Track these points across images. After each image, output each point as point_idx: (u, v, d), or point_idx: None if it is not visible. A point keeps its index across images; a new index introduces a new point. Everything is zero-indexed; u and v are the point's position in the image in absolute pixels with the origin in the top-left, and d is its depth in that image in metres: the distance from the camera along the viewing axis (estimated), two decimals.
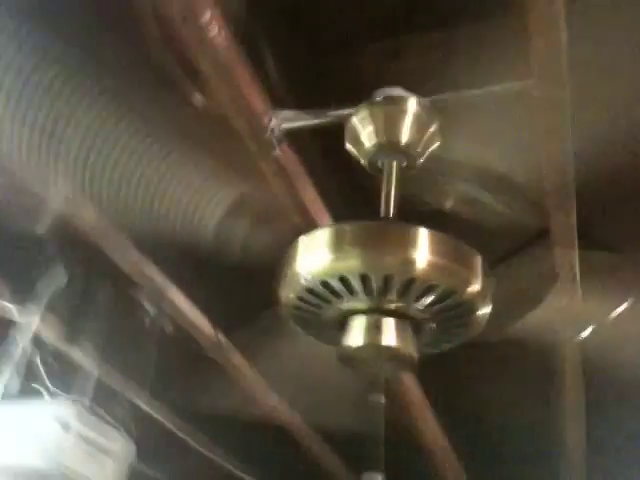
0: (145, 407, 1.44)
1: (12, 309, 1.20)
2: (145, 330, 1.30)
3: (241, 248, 1.05)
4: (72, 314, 1.27)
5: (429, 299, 0.77)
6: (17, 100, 0.82)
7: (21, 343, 1.23)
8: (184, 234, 1.01)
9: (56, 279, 1.18)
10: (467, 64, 0.90)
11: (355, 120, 0.87)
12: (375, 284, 0.76)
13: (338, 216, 1.02)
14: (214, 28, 0.77)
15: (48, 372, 1.27)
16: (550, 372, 1.36)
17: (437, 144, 0.89)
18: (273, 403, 1.50)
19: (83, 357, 1.32)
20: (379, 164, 0.88)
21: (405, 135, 0.86)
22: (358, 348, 0.79)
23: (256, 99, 0.87)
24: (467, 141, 0.99)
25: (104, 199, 0.95)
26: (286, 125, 0.90)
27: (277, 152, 0.91)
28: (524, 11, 0.71)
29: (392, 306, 0.78)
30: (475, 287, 0.78)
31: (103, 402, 1.31)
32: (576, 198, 0.97)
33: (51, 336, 1.27)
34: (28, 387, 1.25)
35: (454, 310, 0.79)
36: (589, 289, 1.14)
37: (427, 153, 0.89)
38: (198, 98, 0.91)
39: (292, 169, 0.95)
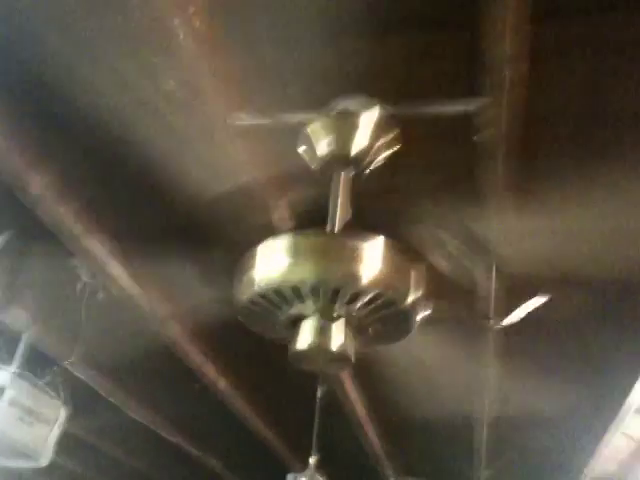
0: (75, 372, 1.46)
1: None
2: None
3: None
4: (3, 280, 1.27)
5: (372, 306, 0.85)
6: None
7: None
8: None
9: None
10: None
11: (309, 129, 0.90)
12: (324, 294, 0.82)
13: None
14: None
15: None
16: None
17: (386, 154, 0.91)
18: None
19: (15, 322, 1.32)
20: (327, 174, 0.92)
21: (355, 147, 0.89)
22: (305, 350, 0.85)
23: None
24: None
25: None
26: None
27: None
28: None
29: (338, 312, 0.85)
30: (415, 296, 0.86)
31: (34, 368, 1.33)
32: None
33: None
34: None
35: (394, 317, 0.87)
36: None
37: (376, 163, 0.91)
38: None
39: None
